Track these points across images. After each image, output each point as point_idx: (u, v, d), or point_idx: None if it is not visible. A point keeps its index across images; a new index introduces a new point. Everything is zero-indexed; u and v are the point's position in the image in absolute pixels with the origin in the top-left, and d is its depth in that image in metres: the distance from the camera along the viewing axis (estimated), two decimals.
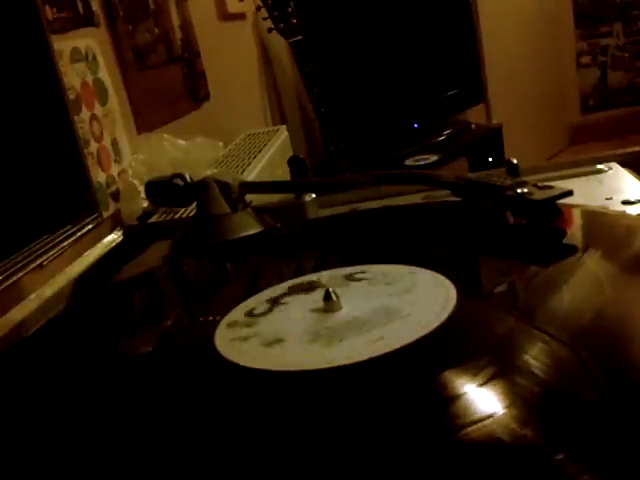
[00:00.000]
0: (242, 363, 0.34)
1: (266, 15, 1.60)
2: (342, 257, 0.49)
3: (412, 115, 2.04)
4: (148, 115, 1.06)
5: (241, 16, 1.65)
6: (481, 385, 0.28)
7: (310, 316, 0.37)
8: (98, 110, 0.85)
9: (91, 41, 0.87)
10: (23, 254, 0.58)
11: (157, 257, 0.62)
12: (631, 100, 3.04)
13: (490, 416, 0.26)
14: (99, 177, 0.82)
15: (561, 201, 0.45)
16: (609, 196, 0.56)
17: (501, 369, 0.29)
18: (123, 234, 0.71)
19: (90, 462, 0.29)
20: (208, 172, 0.76)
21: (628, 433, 0.24)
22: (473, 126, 2.22)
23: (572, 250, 0.43)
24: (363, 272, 0.42)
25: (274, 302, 0.40)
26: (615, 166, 0.64)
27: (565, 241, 0.44)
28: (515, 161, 0.51)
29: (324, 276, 0.43)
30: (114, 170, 0.86)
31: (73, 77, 0.80)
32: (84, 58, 0.84)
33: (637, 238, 0.44)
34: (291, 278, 0.43)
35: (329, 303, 0.37)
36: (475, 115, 2.31)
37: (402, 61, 1.97)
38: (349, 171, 1.58)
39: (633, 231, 0.44)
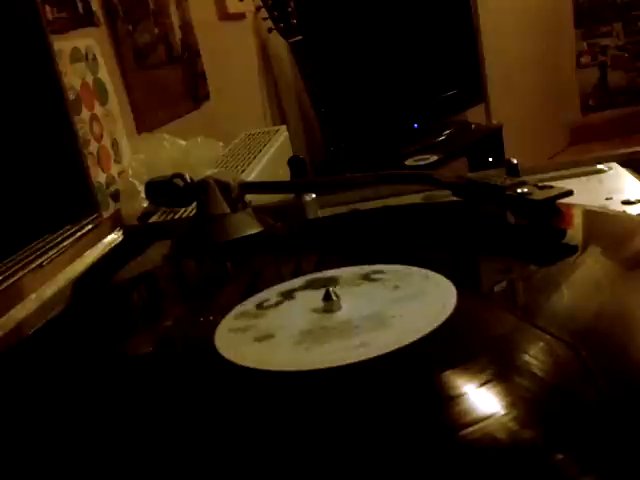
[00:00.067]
0: (228, 356, 0.35)
1: (266, 15, 1.60)
2: (355, 256, 0.48)
3: (412, 115, 2.04)
4: (148, 115, 1.06)
5: (241, 16, 1.65)
6: (481, 385, 0.28)
7: (309, 314, 0.37)
8: (98, 110, 0.85)
9: (91, 41, 0.87)
10: (23, 254, 0.58)
11: (157, 257, 0.62)
12: (631, 100, 3.05)
13: (490, 416, 0.26)
14: (99, 177, 0.82)
15: (561, 201, 0.45)
16: (609, 196, 0.56)
17: (501, 369, 0.29)
18: (123, 234, 0.71)
19: (90, 462, 0.29)
20: (208, 172, 0.76)
21: (628, 433, 0.24)
22: (473, 126, 2.22)
23: (572, 250, 0.43)
24: (381, 272, 0.41)
25: (286, 296, 0.41)
26: (615, 166, 0.63)
27: (565, 241, 0.44)
28: (515, 161, 0.51)
29: (344, 273, 0.42)
30: (114, 170, 0.86)
31: (73, 77, 0.80)
32: (84, 58, 0.84)
33: (637, 238, 0.44)
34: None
35: (328, 303, 0.37)
36: (475, 115, 2.31)
37: (402, 61, 1.97)
38: (349, 171, 1.58)
39: (633, 231, 0.44)
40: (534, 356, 0.30)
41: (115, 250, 0.67)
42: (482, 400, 0.27)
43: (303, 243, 0.55)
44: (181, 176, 0.60)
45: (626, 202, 0.54)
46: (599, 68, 3.13)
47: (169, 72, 1.20)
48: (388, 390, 0.30)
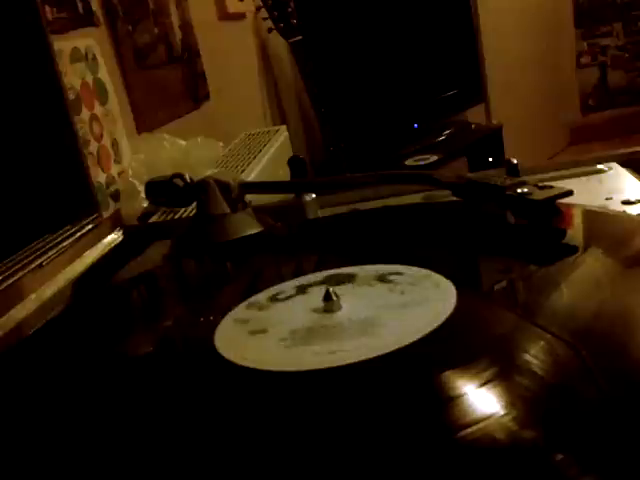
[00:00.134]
0: (220, 350, 0.35)
1: (266, 15, 1.60)
2: (355, 256, 0.48)
3: (412, 115, 2.04)
4: (148, 115, 1.06)
5: (241, 16, 1.65)
6: (481, 385, 0.28)
7: (309, 313, 0.37)
8: (98, 110, 0.85)
9: (91, 41, 0.87)
10: (23, 254, 0.58)
11: (157, 257, 0.62)
12: (631, 100, 3.05)
13: (490, 417, 0.26)
14: (99, 177, 0.82)
15: (561, 201, 0.45)
16: (609, 196, 0.56)
17: (502, 369, 0.29)
18: (123, 234, 0.71)
19: (91, 462, 0.29)
20: (208, 172, 0.76)
21: (629, 433, 0.24)
22: (473, 126, 2.22)
23: (572, 250, 0.43)
24: (399, 273, 0.41)
25: (300, 290, 0.41)
26: (615, 166, 0.63)
27: (565, 241, 0.44)
28: (515, 161, 0.51)
29: (362, 271, 0.42)
30: (114, 170, 0.86)
31: (73, 77, 0.80)
32: (84, 58, 0.84)
33: (637, 238, 0.44)
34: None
35: (328, 303, 0.37)
36: (475, 115, 2.31)
37: (402, 61, 1.97)
38: (349, 171, 1.58)
39: (633, 231, 0.44)
40: (534, 355, 0.30)
41: (115, 250, 0.67)
42: (482, 400, 0.27)
43: (303, 243, 0.55)
44: (181, 176, 0.60)
45: (626, 202, 0.54)
46: (599, 68, 3.13)
47: (169, 72, 1.20)
48: (388, 390, 0.30)
